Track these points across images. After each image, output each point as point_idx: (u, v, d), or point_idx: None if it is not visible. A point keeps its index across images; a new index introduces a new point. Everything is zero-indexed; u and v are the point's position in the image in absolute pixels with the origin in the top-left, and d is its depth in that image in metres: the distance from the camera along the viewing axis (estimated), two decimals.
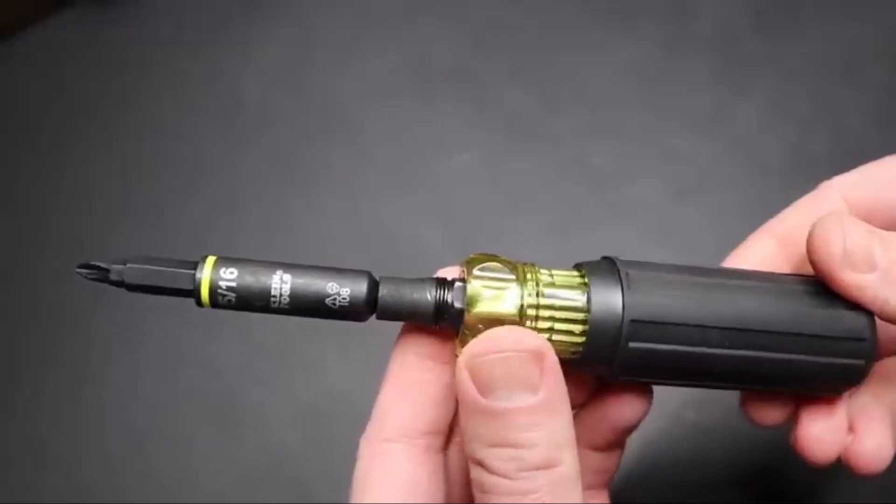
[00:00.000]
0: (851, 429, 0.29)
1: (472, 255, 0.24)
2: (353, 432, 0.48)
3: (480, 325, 0.23)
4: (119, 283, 0.23)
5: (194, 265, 0.23)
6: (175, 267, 0.23)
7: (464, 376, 0.22)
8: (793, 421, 0.30)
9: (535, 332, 0.23)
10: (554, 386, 0.22)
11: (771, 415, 0.30)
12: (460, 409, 0.23)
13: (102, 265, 0.23)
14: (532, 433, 0.21)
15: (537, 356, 0.22)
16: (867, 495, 0.43)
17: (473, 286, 0.23)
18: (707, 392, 0.43)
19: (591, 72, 0.60)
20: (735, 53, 0.59)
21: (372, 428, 0.26)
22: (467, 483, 0.26)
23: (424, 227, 0.54)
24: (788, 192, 0.32)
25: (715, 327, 0.24)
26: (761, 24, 0.60)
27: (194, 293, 0.23)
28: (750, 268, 0.29)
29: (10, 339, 0.53)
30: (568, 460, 0.21)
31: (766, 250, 0.31)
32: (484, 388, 0.21)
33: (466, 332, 0.23)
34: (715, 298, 0.24)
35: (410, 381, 0.26)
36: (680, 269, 0.26)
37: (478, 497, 0.22)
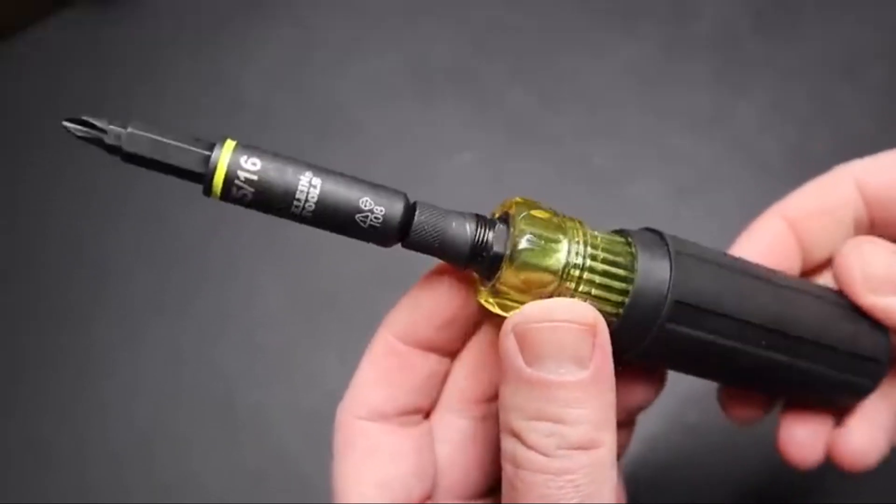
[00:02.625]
0: (840, 423, 0.29)
1: (515, 198, 0.22)
2: None
3: (519, 277, 0.20)
4: (115, 149, 0.20)
5: (210, 145, 0.19)
6: (186, 143, 0.19)
7: (510, 342, 0.20)
8: (777, 423, 0.30)
9: (589, 305, 0.21)
10: (604, 363, 0.20)
11: (748, 413, 0.30)
12: (502, 375, 0.21)
13: (98, 123, 0.20)
14: (577, 410, 0.20)
15: (591, 329, 0.20)
16: (869, 496, 0.43)
17: (520, 233, 0.21)
18: (708, 394, 0.43)
19: (591, 72, 0.60)
20: (735, 53, 0.59)
21: (348, 402, 0.25)
22: (461, 450, 0.26)
23: None
24: (788, 193, 0.32)
25: (754, 324, 0.22)
26: (761, 24, 0.60)
27: (205, 177, 0.19)
28: (760, 251, 0.29)
29: (10, 339, 0.53)
30: (608, 443, 0.20)
31: (775, 233, 0.30)
32: (531, 357, 0.20)
33: (501, 281, 0.21)
34: (759, 293, 0.23)
35: (391, 365, 0.25)
36: (723, 255, 0.24)
37: (508, 471, 0.21)
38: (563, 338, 0.20)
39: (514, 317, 0.21)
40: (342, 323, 0.51)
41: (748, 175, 0.55)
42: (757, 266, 0.25)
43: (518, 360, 0.20)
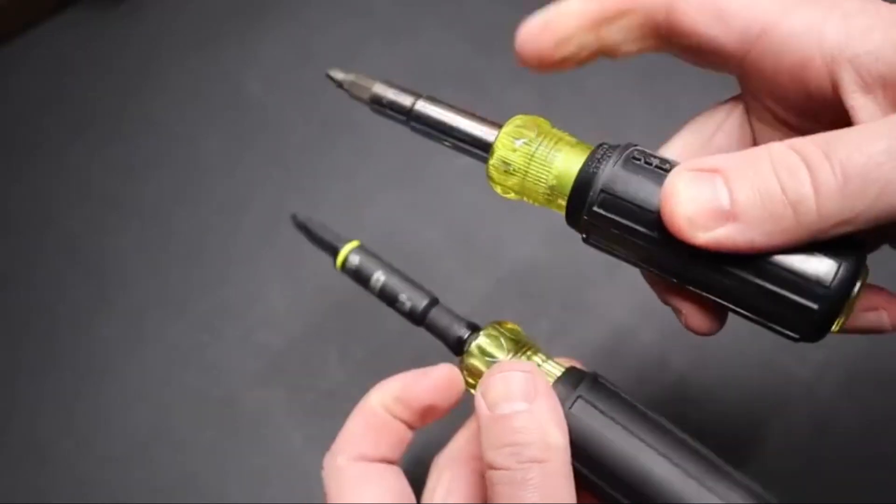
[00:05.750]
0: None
1: (493, 322, 0.33)
2: None
3: (477, 367, 0.32)
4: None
5: (344, 242, 0.37)
6: (332, 238, 0.37)
7: (478, 397, 0.28)
8: None
9: (530, 362, 0.30)
10: (545, 399, 0.27)
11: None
12: (478, 425, 0.28)
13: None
14: (527, 435, 0.26)
15: (530, 376, 0.27)
16: (865, 494, 0.43)
17: (478, 344, 0.33)
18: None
19: (591, 71, 0.59)
20: None
21: (337, 447, 0.33)
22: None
23: (424, 227, 0.54)
24: None
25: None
26: None
27: (334, 259, 0.36)
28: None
29: (10, 339, 0.53)
30: (557, 459, 0.26)
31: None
32: (491, 403, 0.27)
33: (467, 366, 0.33)
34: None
35: (379, 421, 0.33)
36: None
37: (490, 497, 0.27)
38: (510, 383, 0.27)
39: (480, 381, 0.29)
40: (342, 322, 0.51)
41: None
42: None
43: (483, 407, 0.27)
